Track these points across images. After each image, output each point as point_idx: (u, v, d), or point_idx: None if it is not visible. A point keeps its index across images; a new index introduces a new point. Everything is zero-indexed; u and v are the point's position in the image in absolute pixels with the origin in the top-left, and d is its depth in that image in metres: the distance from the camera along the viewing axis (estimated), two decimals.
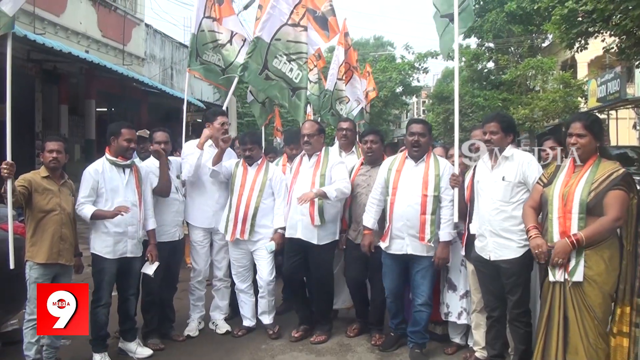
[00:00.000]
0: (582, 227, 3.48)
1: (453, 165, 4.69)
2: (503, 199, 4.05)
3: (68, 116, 13.23)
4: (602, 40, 13.28)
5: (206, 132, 5.27)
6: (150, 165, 5.07)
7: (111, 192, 4.52)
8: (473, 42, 26.47)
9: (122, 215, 4.42)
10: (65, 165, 4.50)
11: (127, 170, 4.65)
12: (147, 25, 16.36)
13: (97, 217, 4.45)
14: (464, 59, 25.66)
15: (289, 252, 5.11)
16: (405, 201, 4.56)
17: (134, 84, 12.92)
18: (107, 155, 4.63)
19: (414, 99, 41.47)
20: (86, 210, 4.45)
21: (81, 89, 12.99)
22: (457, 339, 4.83)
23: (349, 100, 9.54)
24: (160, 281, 5.01)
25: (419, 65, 27.41)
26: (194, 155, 5.16)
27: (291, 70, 6.29)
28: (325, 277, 5.17)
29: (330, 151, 5.29)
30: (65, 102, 12.91)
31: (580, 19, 12.45)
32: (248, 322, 5.32)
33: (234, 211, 5.15)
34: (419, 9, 56.31)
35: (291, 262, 5.10)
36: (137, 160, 4.95)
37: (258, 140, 5.43)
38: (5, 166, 4.00)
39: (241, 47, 7.11)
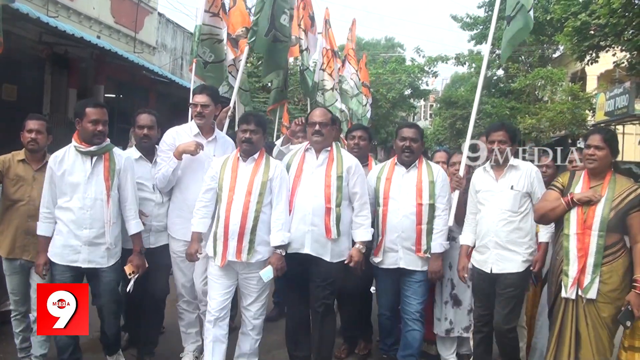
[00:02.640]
0: (602, 245, 3.49)
1: (457, 171, 4.55)
2: (512, 208, 3.98)
3: (76, 100, 13.28)
4: (613, 55, 13.29)
5: (184, 145, 4.25)
6: (133, 155, 4.33)
7: (70, 186, 3.82)
8: (484, 48, 26.57)
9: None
10: (50, 146, 4.14)
11: (94, 160, 3.88)
12: (159, 14, 16.40)
13: (42, 244, 3.89)
14: (474, 65, 25.72)
15: (291, 276, 4.18)
16: (399, 211, 4.25)
17: (144, 72, 12.95)
18: (74, 140, 3.91)
19: (422, 102, 41.49)
20: (40, 230, 3.89)
21: (91, 74, 13.00)
22: (451, 358, 4.64)
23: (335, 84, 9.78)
24: (134, 296, 4.21)
25: (429, 68, 27.43)
26: (168, 161, 4.25)
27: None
28: (333, 300, 4.44)
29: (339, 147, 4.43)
30: (75, 86, 12.92)
31: (592, 32, 12.49)
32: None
33: (223, 223, 3.94)
34: (430, 13, 56.17)
35: (297, 293, 4.28)
36: (116, 149, 4.06)
37: (263, 124, 4.20)
38: None
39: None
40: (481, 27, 25.57)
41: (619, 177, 3.64)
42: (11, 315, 4.24)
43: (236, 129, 4.39)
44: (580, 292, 3.51)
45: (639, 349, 3.57)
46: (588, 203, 3.57)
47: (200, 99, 4.39)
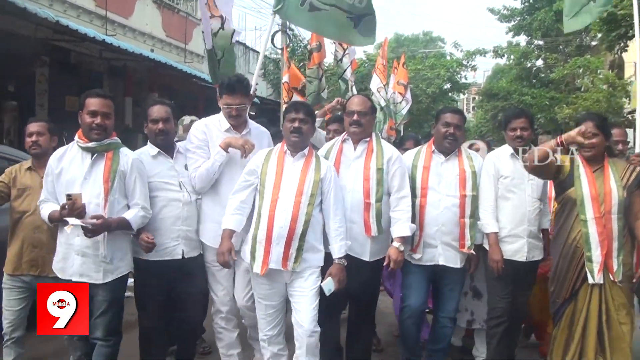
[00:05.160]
0: (622, 227, 3.56)
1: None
2: (541, 197, 4.02)
3: (132, 107, 14.48)
4: None
5: (232, 141, 3.81)
6: (144, 153, 3.82)
7: (65, 185, 3.40)
8: (522, 39, 26.69)
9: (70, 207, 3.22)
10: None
11: (94, 157, 3.43)
12: None
13: (54, 219, 3.42)
14: (512, 56, 25.89)
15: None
16: (440, 203, 3.93)
17: (193, 79, 14.01)
18: (77, 136, 3.52)
19: (463, 95, 41.56)
20: (44, 210, 3.48)
21: (145, 83, 14.14)
22: (457, 342, 4.61)
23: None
24: (159, 313, 3.84)
25: (467, 62, 27.69)
26: (214, 155, 3.78)
27: None
28: (372, 304, 4.14)
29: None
30: (130, 94, 14.09)
31: (619, 22, 12.78)
32: None
33: (266, 227, 3.50)
34: (465, 6, 55.85)
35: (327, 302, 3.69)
36: (124, 149, 3.60)
37: (313, 113, 3.79)
38: None
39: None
40: (518, 18, 25.71)
41: (613, 159, 3.74)
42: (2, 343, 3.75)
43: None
44: (611, 277, 3.53)
45: None
46: (577, 146, 3.58)
47: (234, 100, 3.83)
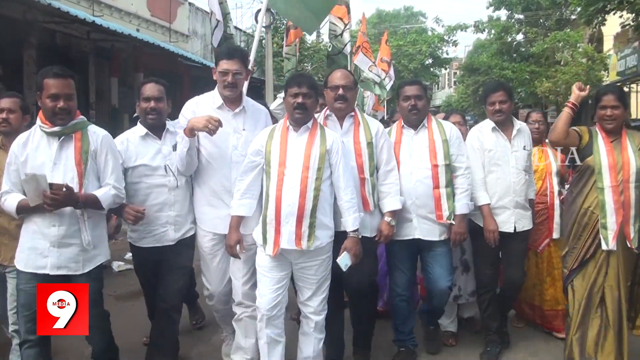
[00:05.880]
0: (639, 195, 3.64)
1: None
2: (526, 168, 4.10)
3: (118, 88, 14.51)
4: (620, 17, 13.83)
5: (194, 120, 3.50)
6: (133, 134, 3.70)
7: (32, 171, 3.08)
8: (503, 14, 26.93)
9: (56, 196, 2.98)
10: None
11: (62, 140, 3.17)
12: (190, 4, 17.47)
13: (24, 209, 3.13)
14: (493, 31, 26.12)
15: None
16: (412, 176, 3.89)
17: (179, 58, 14.05)
18: (38, 119, 3.23)
19: (445, 70, 41.80)
20: (9, 202, 3.17)
21: (131, 63, 14.15)
22: (451, 328, 4.52)
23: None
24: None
25: (449, 38, 27.90)
26: (181, 140, 3.55)
27: None
28: (374, 281, 4.03)
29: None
30: (116, 75, 14.09)
31: None
32: None
33: (274, 205, 3.39)
34: None
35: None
36: (92, 127, 3.32)
37: (316, 87, 3.58)
38: None
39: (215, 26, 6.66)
40: None
41: (630, 131, 3.81)
42: None
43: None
44: (628, 244, 3.62)
45: None
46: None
47: (231, 65, 3.62)
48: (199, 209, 3.76)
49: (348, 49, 9.73)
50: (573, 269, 3.77)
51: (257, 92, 14.65)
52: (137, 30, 13.54)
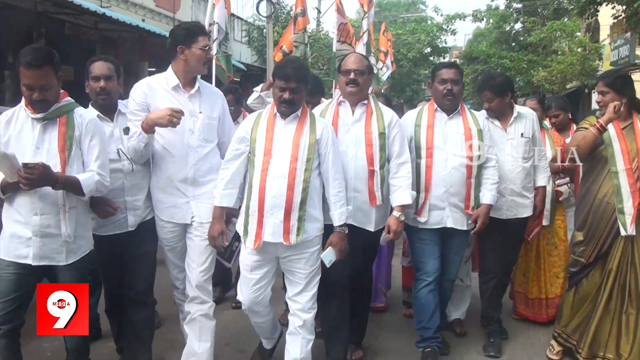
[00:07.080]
0: None
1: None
2: (524, 155, 4.01)
3: (124, 75, 14.89)
4: (612, 7, 14.15)
5: (154, 115, 3.26)
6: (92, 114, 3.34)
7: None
8: (501, 3, 27.21)
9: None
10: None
11: (45, 125, 2.98)
12: None
13: (8, 188, 2.94)
14: (491, 20, 26.40)
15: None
16: (447, 163, 3.73)
17: None
18: (23, 101, 3.04)
19: (443, 59, 41.98)
20: None
21: (136, 52, 14.52)
22: (457, 314, 4.48)
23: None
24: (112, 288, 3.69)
25: (447, 27, 28.15)
26: (137, 135, 3.30)
27: None
28: (369, 274, 4.03)
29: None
30: (122, 63, 14.51)
31: None
32: (268, 343, 3.74)
33: (257, 198, 3.20)
34: None
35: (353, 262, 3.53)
36: (79, 109, 3.13)
37: (305, 78, 3.34)
38: None
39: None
40: None
41: None
42: None
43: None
44: None
45: None
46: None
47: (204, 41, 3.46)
48: (155, 197, 3.49)
49: (365, 38, 9.83)
50: (589, 262, 3.72)
51: (259, 80, 15.01)
52: (143, 20, 13.92)
